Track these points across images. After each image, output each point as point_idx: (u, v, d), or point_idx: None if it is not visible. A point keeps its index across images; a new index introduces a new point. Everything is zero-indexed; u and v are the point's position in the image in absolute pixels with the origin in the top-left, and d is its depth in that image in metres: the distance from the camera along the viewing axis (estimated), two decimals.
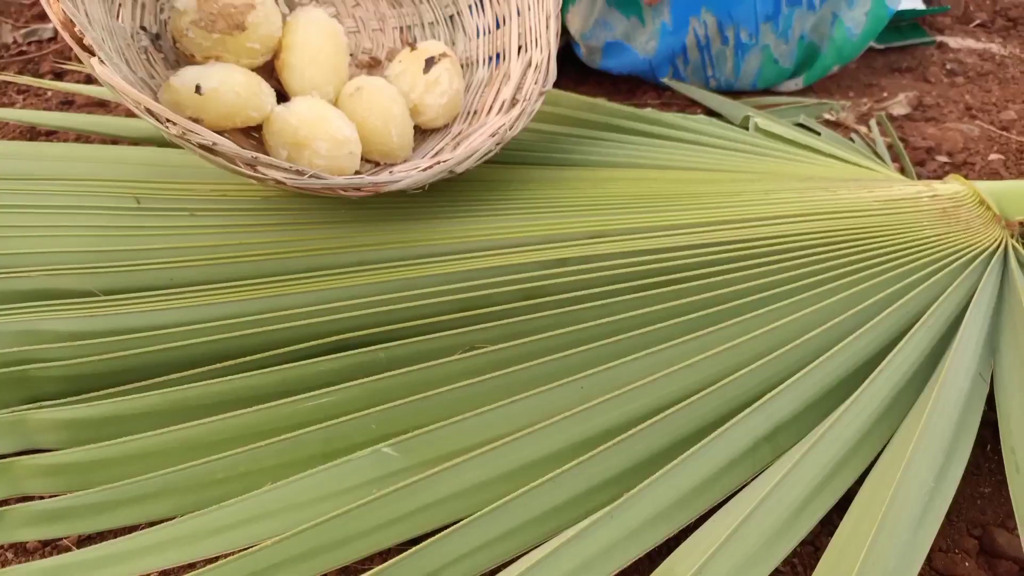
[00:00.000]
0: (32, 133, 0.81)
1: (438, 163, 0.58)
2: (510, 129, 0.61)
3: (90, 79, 0.91)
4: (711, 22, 0.93)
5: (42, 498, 0.41)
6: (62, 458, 0.42)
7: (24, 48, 0.98)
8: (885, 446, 0.44)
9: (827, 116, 0.91)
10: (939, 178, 0.79)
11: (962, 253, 0.56)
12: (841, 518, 0.40)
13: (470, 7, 0.72)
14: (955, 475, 0.41)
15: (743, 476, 0.42)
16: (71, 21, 0.46)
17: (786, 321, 0.49)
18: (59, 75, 0.93)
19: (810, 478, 0.41)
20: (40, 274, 0.52)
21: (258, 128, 0.60)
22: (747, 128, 0.79)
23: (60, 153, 0.65)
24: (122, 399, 0.45)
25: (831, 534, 0.39)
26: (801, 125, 0.85)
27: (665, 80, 0.98)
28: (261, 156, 0.50)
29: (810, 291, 0.52)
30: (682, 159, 0.68)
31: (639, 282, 0.53)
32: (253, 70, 0.60)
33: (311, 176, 0.51)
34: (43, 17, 1.04)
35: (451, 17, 0.74)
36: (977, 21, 1.28)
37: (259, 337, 0.49)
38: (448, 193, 0.62)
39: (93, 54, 0.47)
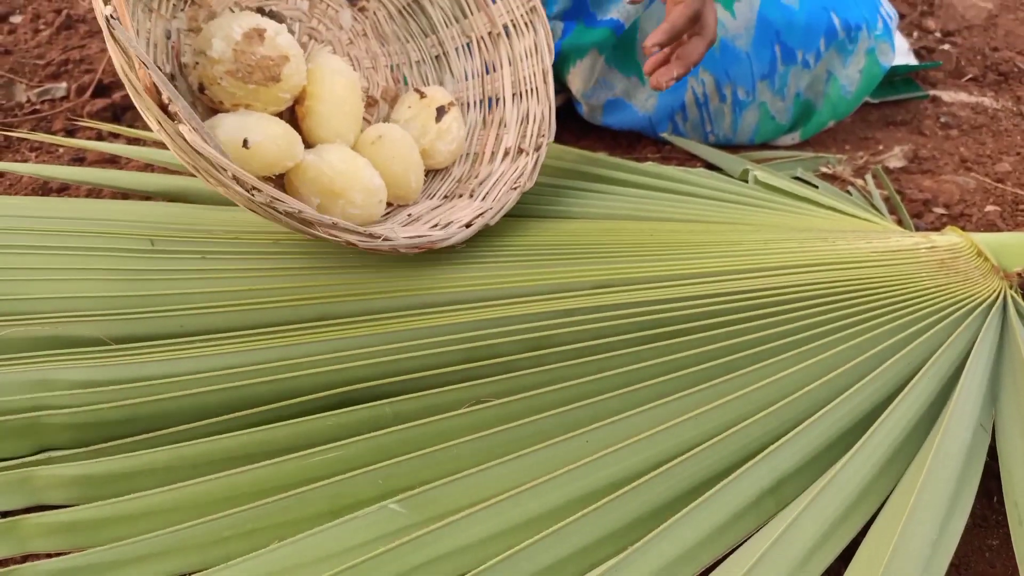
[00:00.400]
0: (44, 190, 0.83)
1: (479, 216, 0.63)
2: (529, 180, 0.67)
3: (101, 136, 0.93)
4: (709, 81, 0.95)
5: (49, 556, 0.41)
6: (70, 516, 0.42)
7: (38, 107, 1.00)
8: (888, 498, 0.44)
9: (824, 169, 0.93)
10: (937, 230, 0.80)
11: (961, 304, 0.56)
12: (846, 568, 0.40)
13: (457, 50, 0.75)
14: (957, 527, 0.41)
15: (747, 528, 0.42)
16: (157, 89, 0.47)
17: (787, 374, 0.50)
18: (71, 133, 0.95)
19: (814, 530, 0.41)
20: (51, 321, 0.53)
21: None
22: (746, 180, 0.81)
23: (72, 207, 0.66)
24: (131, 454, 0.46)
25: None
26: (799, 178, 0.86)
27: (664, 135, 1.00)
28: (339, 221, 0.53)
29: (810, 344, 0.52)
30: (682, 211, 0.69)
31: (642, 333, 0.53)
32: (275, 115, 0.61)
33: (383, 240, 0.55)
34: (57, 76, 1.07)
35: (437, 57, 0.76)
36: (969, 75, 1.30)
37: (268, 387, 0.49)
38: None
39: (180, 121, 0.47)
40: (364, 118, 0.69)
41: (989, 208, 0.84)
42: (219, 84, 0.58)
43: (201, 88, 0.59)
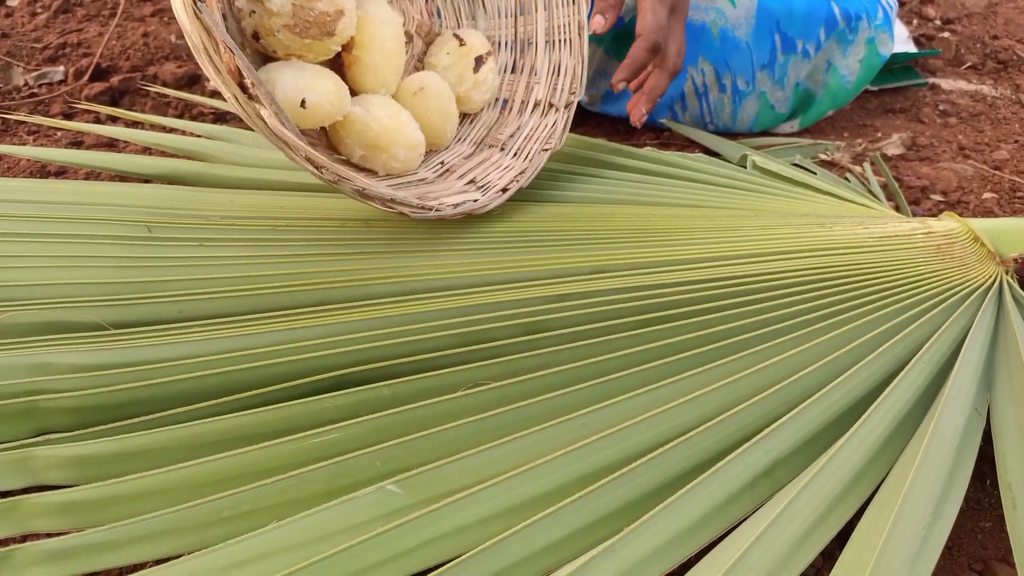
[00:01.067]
0: (42, 172, 0.82)
1: (514, 181, 0.67)
2: (559, 142, 0.70)
3: (99, 119, 0.93)
4: (708, 70, 0.95)
5: (49, 536, 0.41)
6: (70, 496, 0.42)
7: (35, 90, 1.00)
8: (883, 481, 0.44)
9: (822, 156, 0.92)
10: (934, 216, 0.80)
11: (957, 289, 0.57)
12: (841, 550, 0.40)
13: None
14: (952, 510, 0.41)
15: (742, 511, 0.43)
16: (240, 72, 0.48)
17: (783, 358, 0.50)
18: (69, 116, 0.95)
19: (809, 512, 0.41)
20: (50, 307, 0.53)
21: None
22: (744, 166, 0.81)
23: (71, 189, 0.66)
24: (130, 435, 0.46)
25: (832, 568, 0.39)
26: (797, 165, 0.86)
27: (663, 121, 1.00)
28: (396, 195, 0.56)
29: (807, 328, 0.52)
30: (680, 196, 0.69)
31: (637, 318, 0.54)
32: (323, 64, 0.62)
33: (435, 211, 0.60)
34: (54, 60, 1.07)
35: None
36: (968, 63, 1.30)
37: (266, 370, 0.49)
38: (451, 228, 0.63)
39: (261, 104, 0.49)
40: None
41: (987, 195, 0.84)
42: (275, 36, 0.58)
43: (255, 36, 0.60)
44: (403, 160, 0.64)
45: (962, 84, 1.23)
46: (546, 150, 0.68)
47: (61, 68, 1.04)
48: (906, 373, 0.49)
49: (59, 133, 0.91)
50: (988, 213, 0.80)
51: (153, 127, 0.86)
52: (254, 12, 0.59)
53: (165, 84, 1.01)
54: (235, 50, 0.47)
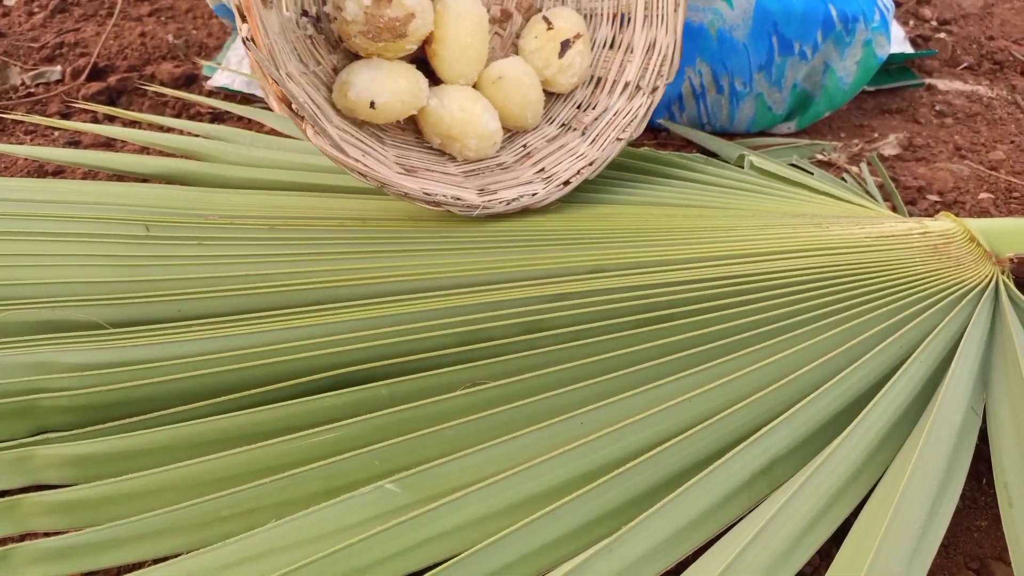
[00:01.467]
0: (39, 172, 0.82)
1: (578, 174, 0.68)
2: (636, 129, 0.71)
3: (96, 119, 0.93)
4: (706, 72, 0.95)
5: (47, 535, 0.41)
6: (69, 495, 0.42)
7: (32, 90, 1.00)
8: (879, 479, 0.44)
9: (819, 156, 0.93)
10: (930, 216, 0.80)
11: (953, 289, 0.57)
12: (838, 549, 0.40)
13: None
14: (948, 509, 0.41)
15: (740, 509, 0.43)
16: (288, 99, 0.53)
17: (780, 357, 0.50)
18: (66, 116, 0.95)
19: (806, 511, 0.41)
20: (49, 306, 0.53)
21: None
22: (742, 167, 0.81)
23: (68, 189, 0.66)
24: (128, 435, 0.46)
25: (829, 566, 0.39)
26: (794, 165, 0.86)
27: (661, 121, 1.00)
28: (441, 199, 0.62)
29: (804, 327, 0.52)
30: (678, 196, 0.69)
31: (636, 317, 0.54)
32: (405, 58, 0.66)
33: (490, 202, 0.64)
34: (51, 60, 1.07)
35: None
36: (964, 64, 1.30)
37: (265, 369, 0.50)
38: (449, 226, 0.63)
39: (307, 123, 0.54)
40: (497, 33, 0.74)
41: (983, 195, 0.84)
42: (353, 40, 0.63)
43: (340, 39, 0.65)
44: (475, 149, 0.68)
45: (958, 85, 1.23)
46: (621, 139, 0.69)
47: (58, 68, 1.04)
48: (903, 372, 0.49)
49: (56, 133, 0.91)
50: (984, 213, 0.80)
51: (151, 127, 0.86)
52: (336, 19, 0.63)
53: (163, 84, 1.01)
54: (280, 80, 0.52)
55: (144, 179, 0.71)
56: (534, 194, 0.65)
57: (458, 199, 0.62)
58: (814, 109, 1.03)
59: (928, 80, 1.24)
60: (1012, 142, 1.02)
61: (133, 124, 0.91)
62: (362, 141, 0.62)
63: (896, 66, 1.23)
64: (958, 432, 0.45)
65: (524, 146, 0.72)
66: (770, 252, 0.59)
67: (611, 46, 0.75)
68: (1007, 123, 1.10)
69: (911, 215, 0.80)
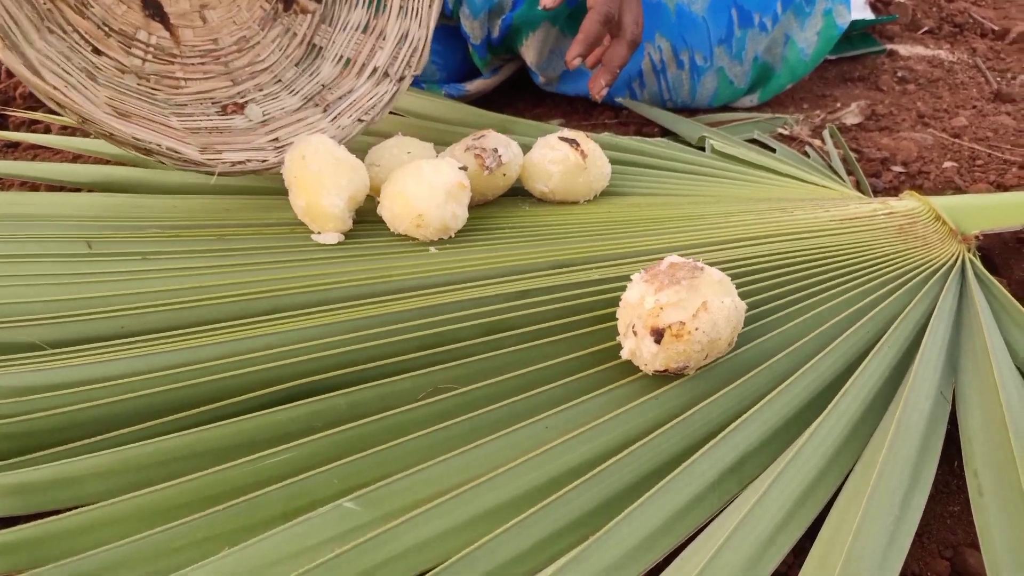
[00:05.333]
0: None
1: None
2: (379, 114, 0.69)
3: (32, 125, 0.89)
4: (666, 47, 0.94)
5: None
6: (11, 536, 0.40)
7: None
8: (851, 471, 0.44)
9: (781, 130, 0.92)
10: (895, 189, 0.80)
11: (920, 269, 0.56)
12: (811, 544, 0.40)
13: None
14: (920, 499, 0.41)
15: (711, 510, 0.42)
16: None
17: (747, 348, 0.49)
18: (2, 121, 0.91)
19: (777, 508, 0.41)
20: None
21: None
22: (703, 149, 0.80)
23: (7, 201, 0.63)
24: (74, 460, 0.44)
25: (804, 562, 0.39)
26: (756, 141, 0.85)
27: (620, 100, 0.99)
28: (163, 148, 0.58)
29: (770, 316, 0.52)
30: (641, 185, 0.68)
31: (599, 312, 0.53)
32: None
33: (212, 160, 0.60)
34: None
35: None
36: (925, 28, 1.30)
37: (215, 385, 0.48)
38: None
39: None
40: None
41: (947, 164, 0.84)
42: None
43: None
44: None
45: (919, 50, 1.23)
46: (362, 120, 0.68)
47: None
48: (871, 358, 0.49)
49: None
50: (948, 183, 0.80)
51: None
52: None
53: None
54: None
55: (90, 188, 0.69)
56: (263, 160, 0.64)
57: (174, 151, 0.59)
58: (776, 81, 1.03)
59: (890, 46, 1.23)
60: (974, 107, 1.02)
61: (65, 130, 0.88)
62: (69, 73, 0.59)
63: (857, 33, 1.22)
64: (928, 419, 0.45)
65: (264, 112, 0.71)
66: (735, 240, 0.58)
67: (364, 30, 0.75)
68: (968, 87, 1.10)
69: (875, 188, 0.80)
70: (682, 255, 0.57)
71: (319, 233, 0.59)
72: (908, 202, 0.62)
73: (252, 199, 0.67)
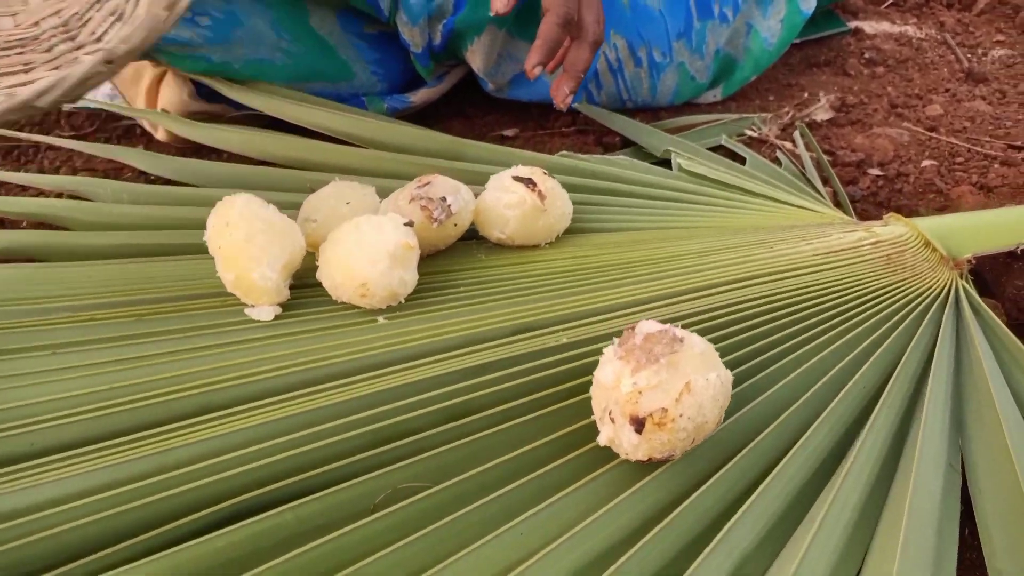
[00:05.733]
0: None
1: None
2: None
3: None
4: (621, 45, 0.89)
5: None
6: None
7: None
8: (862, 567, 0.40)
9: (750, 133, 0.88)
10: (874, 196, 0.77)
11: (913, 304, 0.53)
12: None
13: None
14: None
15: None
16: None
17: (735, 418, 0.46)
18: None
19: None
20: None
21: None
22: (668, 161, 0.76)
23: None
24: None
25: None
26: (724, 147, 0.82)
27: (577, 106, 0.94)
28: None
29: (756, 374, 0.48)
30: (605, 219, 0.64)
31: (569, 385, 0.49)
32: None
33: None
34: None
35: None
36: (889, 0, 1.27)
37: (142, 511, 0.43)
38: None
39: None
40: None
41: (925, 163, 0.81)
42: None
43: None
44: None
45: (885, 26, 1.20)
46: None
47: None
48: (871, 425, 0.45)
49: None
50: (930, 186, 0.77)
51: None
52: None
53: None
54: None
55: None
56: None
57: None
58: (739, 74, 0.99)
59: (854, 23, 1.20)
60: (946, 90, 0.99)
61: None
62: None
63: (821, 11, 1.19)
64: (941, 499, 0.42)
65: None
66: (712, 285, 0.54)
67: None
68: (939, 67, 1.07)
69: (853, 197, 0.76)
70: (656, 308, 0.53)
71: (252, 307, 0.54)
72: (894, 227, 0.59)
73: (175, 262, 0.61)
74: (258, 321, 0.53)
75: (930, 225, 0.58)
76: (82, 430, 0.47)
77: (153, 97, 0.90)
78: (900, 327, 0.52)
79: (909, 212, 0.75)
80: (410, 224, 0.53)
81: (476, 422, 0.47)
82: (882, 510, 0.42)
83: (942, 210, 0.74)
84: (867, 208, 0.75)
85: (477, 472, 0.44)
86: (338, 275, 0.52)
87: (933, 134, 0.86)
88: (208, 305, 0.55)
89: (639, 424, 0.42)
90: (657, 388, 0.41)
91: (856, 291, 0.54)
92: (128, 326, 0.53)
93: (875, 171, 0.80)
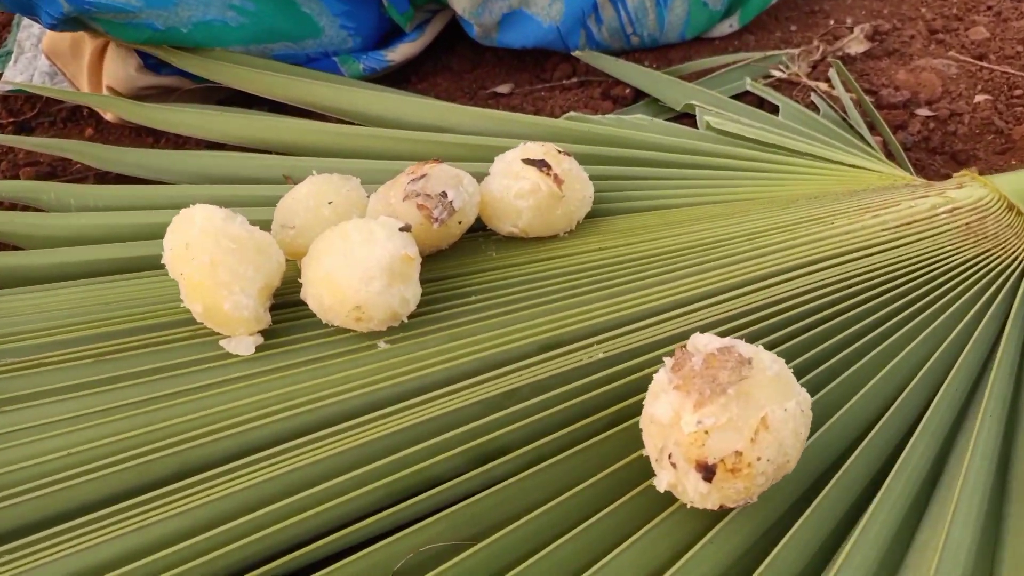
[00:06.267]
0: None
1: None
2: None
3: None
4: None
5: None
6: None
7: None
8: None
9: (776, 73, 0.80)
10: (926, 139, 0.70)
11: (1001, 278, 0.47)
12: None
13: None
14: None
15: None
16: None
17: (810, 443, 0.40)
18: None
19: None
20: None
21: None
22: (692, 113, 0.68)
23: None
24: None
25: None
26: (750, 95, 0.74)
27: (577, 53, 0.85)
28: None
29: (826, 385, 0.42)
30: (630, 196, 0.56)
31: (614, 410, 0.42)
32: None
33: None
34: None
35: None
36: None
37: None
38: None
39: None
40: None
41: (979, 98, 0.74)
42: None
43: None
44: None
45: None
46: None
47: None
48: (977, 433, 0.39)
49: None
50: (987, 124, 0.70)
51: None
52: None
53: None
54: None
55: None
56: None
57: None
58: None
59: None
60: (988, 8, 0.91)
61: None
62: None
63: None
64: None
65: None
66: (767, 275, 0.48)
67: None
68: None
69: (906, 145, 0.69)
70: (704, 309, 0.46)
71: (229, 339, 0.47)
72: (971, 189, 0.52)
73: (135, 281, 0.54)
74: (234, 361, 0.46)
75: (1012, 185, 0.52)
76: (30, 512, 0.40)
77: (96, 72, 0.81)
78: (991, 309, 0.46)
79: (967, 158, 0.68)
80: (407, 228, 0.46)
81: (505, 464, 0.41)
82: (1000, 530, 0.37)
83: (1004, 153, 0.67)
84: (920, 157, 0.68)
85: (514, 528, 0.38)
86: (327, 297, 0.45)
87: (983, 63, 0.79)
88: (178, 336, 0.48)
89: (708, 472, 0.35)
90: (727, 427, 0.35)
91: (934, 269, 0.48)
92: (85, 369, 0.46)
93: (924, 111, 0.72)
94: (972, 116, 0.72)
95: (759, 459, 0.35)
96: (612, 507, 0.39)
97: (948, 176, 0.66)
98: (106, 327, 0.49)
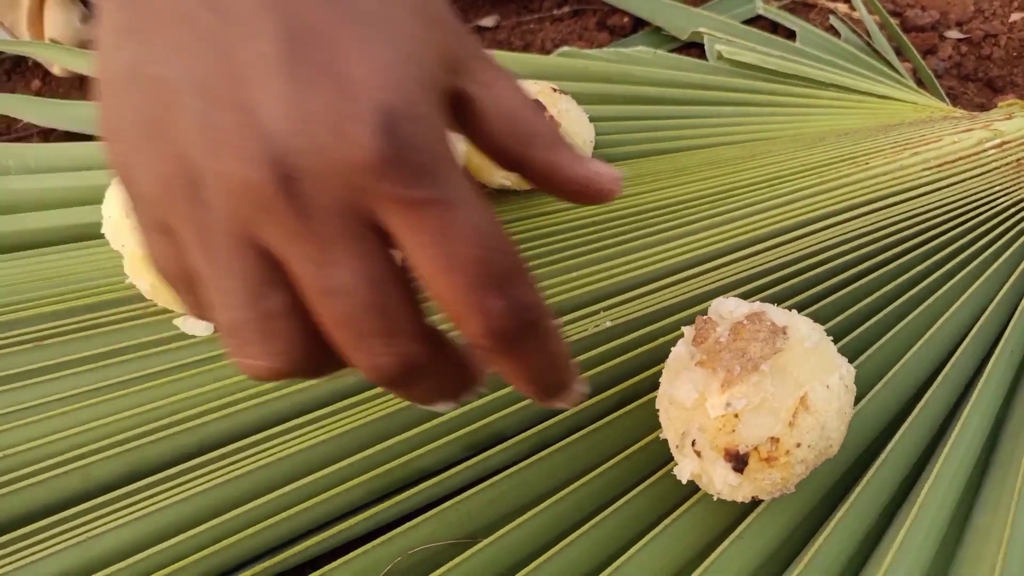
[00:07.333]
0: None
1: None
2: None
3: None
4: None
5: None
6: None
7: None
8: None
9: None
10: (958, 65, 0.65)
11: None
12: None
13: None
14: None
15: None
16: None
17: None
18: None
19: None
20: None
21: None
22: (698, 45, 0.63)
23: None
24: None
25: None
26: (762, 19, 0.69)
27: None
28: None
29: (864, 351, 0.38)
30: (633, 137, 0.52)
31: (625, 386, 0.39)
32: None
33: None
34: None
35: None
36: None
37: None
38: None
39: None
40: None
41: (1016, 17, 0.69)
42: None
43: None
44: None
45: None
46: None
47: None
48: None
49: None
50: None
51: None
52: None
53: None
54: None
55: None
56: None
57: None
58: None
59: None
60: None
61: None
62: None
63: None
64: None
65: None
66: (795, 225, 0.43)
67: None
68: None
69: (936, 72, 0.64)
70: (722, 268, 0.42)
71: (182, 316, 0.42)
72: (1020, 120, 0.48)
73: (81, 252, 0.50)
74: (194, 336, 0.42)
75: None
76: None
77: (38, 23, 0.76)
78: None
79: (1004, 85, 0.63)
80: None
81: (502, 453, 0.37)
82: None
83: None
84: (952, 85, 0.63)
85: (516, 525, 0.35)
86: None
87: None
88: (127, 316, 0.44)
89: (739, 461, 0.31)
90: (761, 409, 0.31)
91: (984, 212, 0.43)
92: (21, 357, 0.42)
93: (954, 34, 0.67)
94: (1009, 37, 0.67)
95: (798, 445, 0.31)
96: (627, 498, 0.36)
97: (983, 105, 0.62)
98: (47, 306, 0.45)
